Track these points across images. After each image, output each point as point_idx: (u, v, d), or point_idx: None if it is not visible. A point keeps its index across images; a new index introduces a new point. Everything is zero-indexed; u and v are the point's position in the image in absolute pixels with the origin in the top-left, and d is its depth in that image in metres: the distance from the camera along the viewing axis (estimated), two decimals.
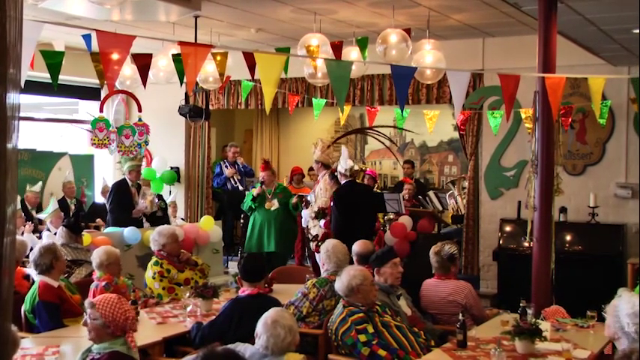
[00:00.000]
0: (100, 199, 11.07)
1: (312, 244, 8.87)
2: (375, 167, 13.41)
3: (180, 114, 9.98)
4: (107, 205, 9.61)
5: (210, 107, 11.05)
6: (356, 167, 8.64)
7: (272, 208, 9.38)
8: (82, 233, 7.44)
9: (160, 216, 9.71)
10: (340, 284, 4.92)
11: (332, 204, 8.25)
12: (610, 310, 3.38)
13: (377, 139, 9.75)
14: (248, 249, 9.44)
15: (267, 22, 8.80)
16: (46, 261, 5.42)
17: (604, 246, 8.52)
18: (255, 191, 9.47)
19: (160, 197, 10.10)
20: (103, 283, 5.75)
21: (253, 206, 9.46)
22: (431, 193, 11.18)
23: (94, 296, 5.29)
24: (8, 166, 1.34)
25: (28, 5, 6.62)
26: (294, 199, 9.49)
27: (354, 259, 6.09)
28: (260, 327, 3.81)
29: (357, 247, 6.28)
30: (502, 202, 9.69)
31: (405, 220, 9.06)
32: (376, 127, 9.77)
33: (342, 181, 8.34)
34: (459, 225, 10.52)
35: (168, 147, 11.99)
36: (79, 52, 7.13)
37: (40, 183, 10.00)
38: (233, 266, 10.17)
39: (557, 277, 6.33)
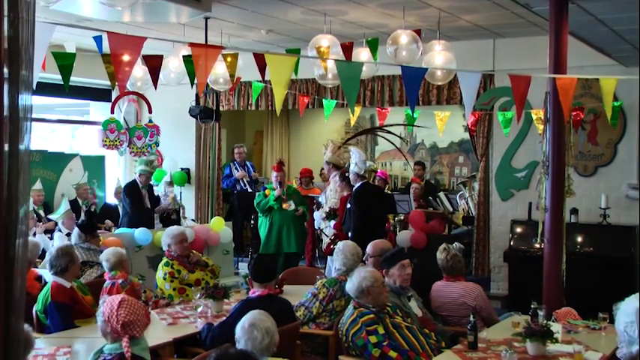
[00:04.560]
0: (112, 200, 11.11)
1: (324, 244, 8.89)
2: (385, 168, 13.41)
3: (191, 115, 10.01)
4: (123, 207, 9.59)
5: (221, 108, 11.08)
6: (372, 167, 8.63)
7: (290, 209, 9.34)
8: (97, 234, 7.46)
9: (173, 218, 9.75)
10: (351, 285, 4.92)
11: (349, 205, 8.21)
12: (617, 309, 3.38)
13: (387, 140, 9.75)
14: (265, 250, 9.38)
15: (277, 23, 8.82)
16: (62, 263, 5.44)
17: (615, 247, 8.48)
18: (276, 192, 9.38)
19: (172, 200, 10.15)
20: (120, 281, 5.78)
21: (275, 207, 9.38)
22: (441, 194, 11.17)
23: (109, 294, 5.31)
24: (20, 167, 1.34)
25: (40, 7, 6.65)
26: (299, 211, 9.40)
27: (371, 260, 6.05)
28: (238, 331, 3.82)
29: (373, 246, 6.22)
30: (513, 203, 9.67)
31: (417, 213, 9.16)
32: (386, 126, 9.76)
33: (357, 183, 8.30)
34: (469, 226, 10.50)
35: (178, 148, 12.02)
36: (90, 53, 7.15)
37: (39, 180, 10.04)
38: (243, 267, 10.19)
39: (569, 278, 6.30)
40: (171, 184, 10.01)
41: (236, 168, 11.84)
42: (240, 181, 11.74)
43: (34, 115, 1.47)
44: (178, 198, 10.96)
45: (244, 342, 3.76)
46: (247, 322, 3.81)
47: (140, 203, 9.33)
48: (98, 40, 5.02)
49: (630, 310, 3.15)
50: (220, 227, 9.32)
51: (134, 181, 9.53)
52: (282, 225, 9.38)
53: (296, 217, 9.40)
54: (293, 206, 9.34)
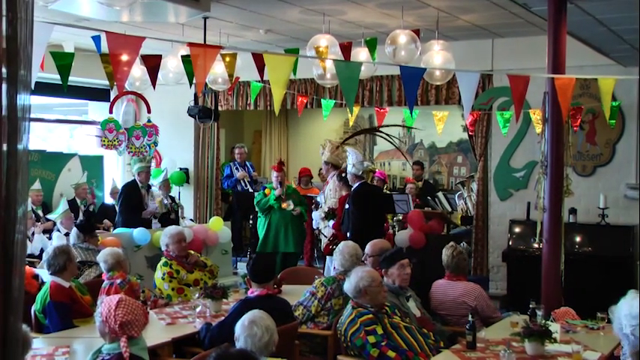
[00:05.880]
0: (109, 200, 11.12)
1: (323, 244, 8.89)
2: (383, 168, 13.41)
3: (190, 115, 10.01)
4: (117, 207, 9.64)
5: (220, 108, 11.08)
6: (370, 168, 8.62)
7: (288, 209, 9.34)
8: (96, 234, 7.46)
9: (172, 218, 9.75)
10: (349, 285, 4.92)
11: (348, 205, 8.21)
12: (614, 312, 3.38)
13: (386, 139, 9.75)
14: (262, 249, 9.39)
15: (276, 23, 8.82)
16: (60, 262, 5.44)
17: (614, 247, 8.48)
18: (277, 192, 9.38)
19: (172, 199, 10.13)
20: (118, 281, 5.77)
21: (276, 206, 9.38)
22: (440, 195, 11.17)
23: (108, 294, 5.31)
24: (19, 167, 1.34)
25: (39, 7, 6.64)
26: (296, 211, 9.39)
27: (370, 260, 6.05)
28: (238, 329, 3.82)
29: (373, 246, 6.22)
30: (511, 203, 9.67)
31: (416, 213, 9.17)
32: (384, 126, 9.77)
33: (355, 183, 8.28)
34: (468, 226, 10.51)
35: (177, 148, 12.02)
36: (88, 53, 7.16)
37: (38, 181, 10.05)
38: (242, 267, 10.19)
39: (567, 278, 6.31)
40: (167, 187, 10.03)
41: (236, 168, 11.83)
42: (241, 181, 11.74)
43: (32, 115, 1.47)
44: (177, 198, 10.95)
45: (244, 339, 3.75)
46: (247, 320, 3.82)
47: (139, 203, 9.32)
48: (97, 39, 5.02)
49: (635, 313, 3.14)
50: (219, 227, 9.31)
51: (133, 181, 9.52)
52: (280, 224, 9.38)
53: (294, 217, 9.40)
54: (292, 206, 9.34)
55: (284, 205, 9.32)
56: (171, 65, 7.90)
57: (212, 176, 12.02)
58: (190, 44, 5.12)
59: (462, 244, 6.22)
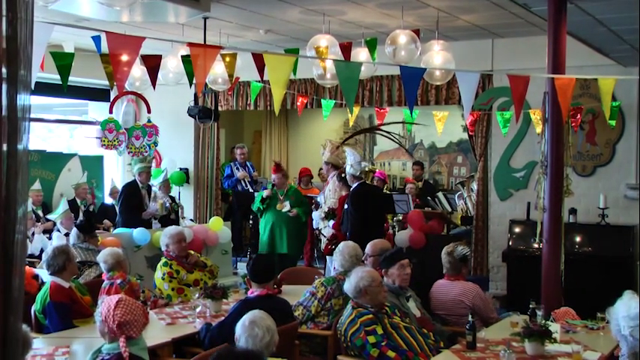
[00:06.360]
0: (108, 200, 11.12)
1: (323, 245, 8.89)
2: (383, 168, 13.41)
3: (190, 115, 10.01)
4: (117, 207, 9.64)
5: (220, 108, 11.08)
6: (368, 168, 8.63)
7: (283, 210, 9.31)
8: (96, 234, 7.46)
9: (172, 218, 9.75)
10: (349, 285, 4.92)
11: (347, 206, 8.22)
12: (611, 313, 3.38)
13: (388, 137, 9.75)
14: (260, 250, 9.40)
15: (276, 23, 8.82)
16: (59, 262, 5.43)
17: (614, 247, 8.48)
18: (265, 193, 9.39)
19: (172, 199, 10.13)
20: (118, 281, 5.78)
21: (262, 208, 9.39)
22: (440, 195, 11.17)
23: (108, 294, 5.31)
24: (19, 167, 1.34)
25: (39, 7, 6.64)
26: (292, 212, 9.36)
27: (370, 260, 6.05)
28: (238, 329, 3.81)
29: (373, 246, 6.22)
30: (511, 203, 9.67)
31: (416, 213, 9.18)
32: (385, 124, 9.77)
33: (354, 183, 8.29)
34: (468, 226, 10.51)
35: (177, 148, 12.02)
36: (88, 53, 7.16)
37: (38, 181, 10.05)
38: (242, 267, 10.19)
39: (567, 278, 6.31)
40: (167, 187, 10.03)
41: (237, 168, 11.81)
42: (242, 182, 11.73)
43: (32, 115, 1.47)
44: (177, 198, 10.95)
45: (245, 339, 3.75)
46: (248, 320, 3.82)
47: (139, 204, 9.31)
48: (97, 39, 5.02)
49: (633, 314, 3.15)
50: (219, 227, 9.31)
51: (134, 182, 9.51)
52: (275, 226, 9.37)
53: (291, 218, 9.37)
54: (288, 207, 9.32)
55: (279, 207, 9.32)
56: (171, 65, 7.90)
57: (212, 176, 12.01)
58: (190, 44, 5.12)
59: (462, 248, 6.19)
